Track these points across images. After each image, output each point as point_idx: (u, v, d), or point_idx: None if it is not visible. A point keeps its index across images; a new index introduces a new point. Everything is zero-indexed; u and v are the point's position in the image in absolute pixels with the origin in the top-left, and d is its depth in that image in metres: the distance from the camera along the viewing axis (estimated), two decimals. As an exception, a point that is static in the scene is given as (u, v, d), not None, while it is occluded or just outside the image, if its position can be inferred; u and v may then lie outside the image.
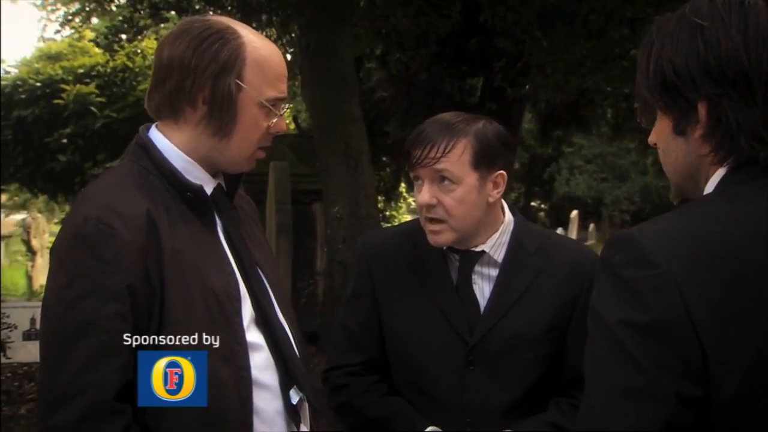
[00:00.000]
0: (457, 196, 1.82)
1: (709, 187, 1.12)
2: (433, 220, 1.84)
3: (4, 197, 17.75)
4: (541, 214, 26.31)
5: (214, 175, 1.65)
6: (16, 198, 18.54)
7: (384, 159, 12.99)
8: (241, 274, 1.62)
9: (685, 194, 1.19)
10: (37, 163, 10.72)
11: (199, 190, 1.58)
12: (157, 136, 1.61)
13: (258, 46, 1.59)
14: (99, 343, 1.40)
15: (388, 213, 15.75)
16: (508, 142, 1.90)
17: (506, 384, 1.87)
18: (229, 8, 7.68)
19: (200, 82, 1.54)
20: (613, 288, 1.02)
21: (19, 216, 19.75)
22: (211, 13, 7.62)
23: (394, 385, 1.98)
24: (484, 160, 1.83)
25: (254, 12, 7.49)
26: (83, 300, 1.41)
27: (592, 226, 18.28)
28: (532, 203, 24.18)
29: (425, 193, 1.82)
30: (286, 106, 1.68)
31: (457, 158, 1.80)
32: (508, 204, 1.99)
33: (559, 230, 14.49)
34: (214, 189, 1.64)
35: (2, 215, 18.73)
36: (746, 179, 1.06)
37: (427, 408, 1.89)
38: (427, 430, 1.85)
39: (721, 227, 1.00)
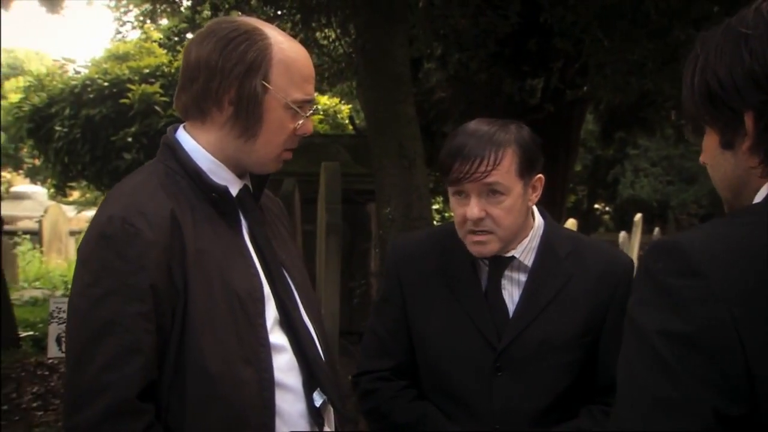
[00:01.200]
0: (506, 207, 1.80)
1: (760, 196, 1.08)
2: (478, 232, 1.81)
3: (76, 194, 18.30)
4: (606, 217, 25.86)
5: (240, 176, 1.66)
6: (87, 195, 19.09)
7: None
8: (265, 276, 1.62)
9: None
10: (104, 161, 10.96)
11: (224, 191, 1.59)
12: (184, 136, 1.62)
13: (285, 47, 1.59)
14: (122, 342, 1.42)
15: (447, 214, 15.69)
16: (540, 144, 1.87)
17: (535, 390, 1.84)
18: (288, 9, 7.77)
19: (226, 83, 1.55)
20: (654, 296, 0.98)
21: (90, 213, 20.36)
22: (270, 14, 7.73)
23: (422, 390, 1.96)
24: (527, 167, 1.82)
25: (313, 12, 7.55)
26: (107, 299, 1.43)
27: (657, 230, 17.85)
28: (596, 206, 23.80)
29: (474, 208, 1.78)
30: (314, 107, 1.67)
31: (506, 169, 1.78)
32: (538, 208, 1.95)
33: (622, 234, 14.18)
34: (240, 190, 1.64)
35: (74, 212, 19.32)
36: None
37: (455, 413, 1.88)
38: None
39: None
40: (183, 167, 1.59)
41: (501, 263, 1.89)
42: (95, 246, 1.47)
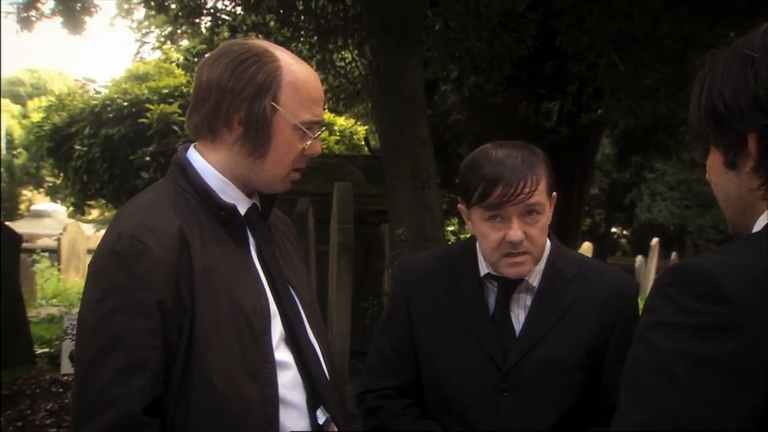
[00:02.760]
0: (541, 226, 1.84)
1: (760, 223, 1.09)
2: (517, 253, 1.83)
3: (95, 213, 18.45)
4: (623, 240, 25.70)
5: (249, 195, 1.69)
6: (106, 214, 19.26)
7: (458, 181, 12.93)
8: (272, 293, 1.64)
9: (741, 230, 1.16)
10: (122, 179, 11.07)
11: (232, 209, 1.62)
12: (194, 155, 1.66)
13: (294, 69, 1.62)
14: (129, 357, 1.44)
15: (463, 236, 15.69)
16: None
17: (540, 411, 1.84)
18: (305, 31, 7.85)
19: (236, 103, 1.58)
20: (676, 319, 0.97)
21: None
22: (288, 35, 7.82)
23: (427, 410, 1.97)
24: (552, 186, 1.87)
25: (330, 34, 7.64)
26: (115, 315, 1.45)
27: (674, 254, 17.73)
28: (613, 229, 23.67)
29: (518, 230, 1.80)
30: (322, 128, 1.70)
31: (542, 189, 1.82)
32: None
33: (639, 258, 14.10)
34: (249, 208, 1.67)
35: (93, 230, 19.48)
36: None
37: None
38: None
39: None
40: (192, 186, 1.62)
41: (510, 285, 1.90)
42: (104, 262, 1.50)
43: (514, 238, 1.80)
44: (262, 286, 1.63)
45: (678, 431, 0.93)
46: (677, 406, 0.94)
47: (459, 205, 1.93)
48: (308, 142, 1.64)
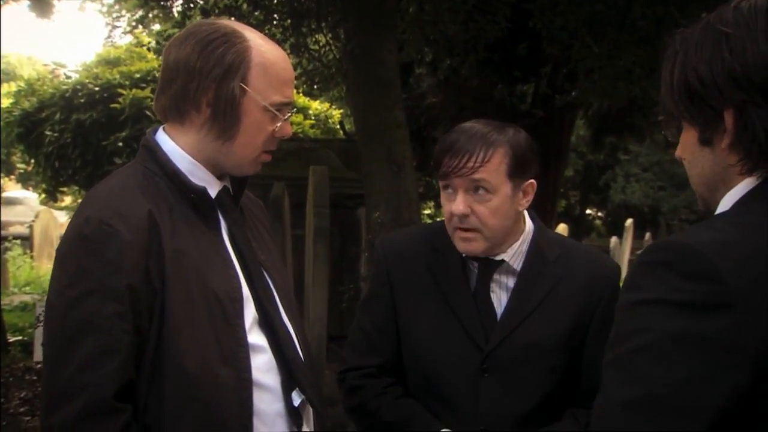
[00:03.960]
0: (492, 206, 1.82)
1: (731, 197, 1.09)
2: (464, 228, 1.83)
3: (68, 200, 18.24)
4: (598, 222, 25.90)
5: (220, 177, 1.67)
6: (79, 200, 19.05)
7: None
8: (244, 276, 1.62)
9: (712, 207, 1.16)
10: (94, 165, 10.91)
11: (203, 191, 1.60)
12: (163, 138, 1.63)
13: (264, 50, 1.60)
14: (99, 342, 1.42)
15: (439, 218, 15.70)
16: (536, 150, 1.90)
17: (521, 392, 1.85)
18: (279, 14, 7.77)
19: (204, 84, 1.55)
20: (665, 296, 0.97)
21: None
22: (261, 18, 7.73)
23: (408, 389, 1.97)
24: (518, 170, 1.83)
25: (304, 18, 7.56)
26: (84, 300, 1.43)
27: (648, 235, 17.88)
28: (588, 211, 23.85)
29: (459, 203, 1.80)
30: (293, 110, 1.68)
31: (495, 168, 1.79)
32: (529, 212, 1.97)
33: (614, 239, 14.21)
34: (220, 191, 1.65)
35: (66, 217, 19.27)
36: None
37: (441, 413, 1.89)
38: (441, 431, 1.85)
39: None
40: (162, 168, 1.59)
41: (490, 266, 1.90)
42: (72, 247, 1.48)
43: (455, 211, 1.81)
44: (234, 269, 1.61)
45: (666, 406, 0.94)
46: (666, 383, 0.94)
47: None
48: (278, 124, 1.62)
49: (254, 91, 1.57)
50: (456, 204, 1.81)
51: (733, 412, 0.93)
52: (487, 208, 1.81)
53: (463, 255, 1.89)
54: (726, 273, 0.93)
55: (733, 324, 0.92)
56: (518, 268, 1.91)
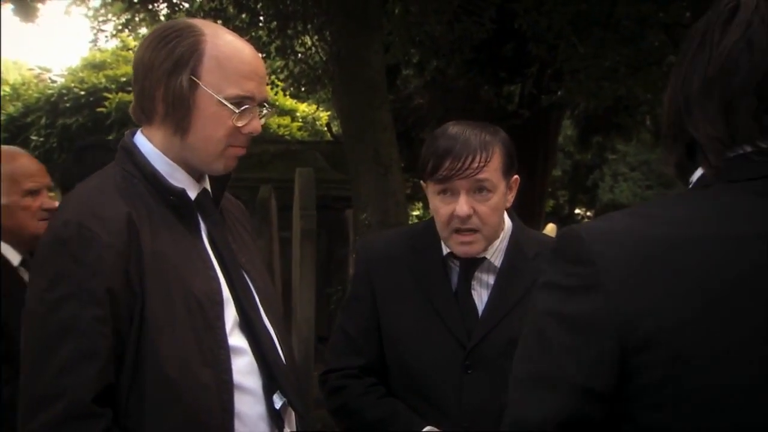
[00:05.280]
0: (492, 205, 1.84)
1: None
2: (465, 231, 1.84)
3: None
4: (587, 221, 25.98)
5: (199, 180, 1.66)
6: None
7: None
8: (225, 279, 1.61)
9: None
10: (81, 169, 10.90)
11: (182, 193, 1.58)
12: (141, 140, 1.62)
13: (219, 42, 1.57)
14: (78, 346, 1.41)
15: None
16: (514, 146, 1.93)
17: (504, 388, 1.84)
18: (264, 17, 7.76)
19: (156, 79, 1.54)
20: (550, 279, 1.03)
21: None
22: (247, 21, 7.72)
23: (391, 389, 1.97)
24: (509, 167, 1.87)
25: (290, 20, 7.56)
26: (63, 303, 1.42)
27: (636, 234, 17.90)
28: (577, 210, 23.90)
29: (464, 205, 1.81)
30: (262, 105, 1.64)
31: (495, 167, 1.82)
32: (507, 210, 1.98)
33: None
34: (199, 193, 1.64)
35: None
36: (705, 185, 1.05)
37: (425, 411, 1.89)
38: (424, 429, 1.85)
39: (663, 229, 0.99)
40: (140, 170, 1.58)
41: (472, 264, 1.91)
42: (51, 251, 1.47)
43: (461, 213, 1.81)
44: (215, 271, 1.60)
45: (540, 381, 1.00)
46: (542, 359, 1.00)
47: (422, 181, 1.94)
48: (241, 118, 1.57)
49: (206, 84, 1.54)
50: (460, 205, 1.81)
51: (612, 393, 0.97)
52: (488, 207, 1.83)
53: (463, 256, 1.89)
54: (597, 256, 0.97)
55: (599, 303, 0.95)
56: (498, 265, 1.92)
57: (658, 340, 0.94)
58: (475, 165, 1.79)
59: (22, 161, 2.47)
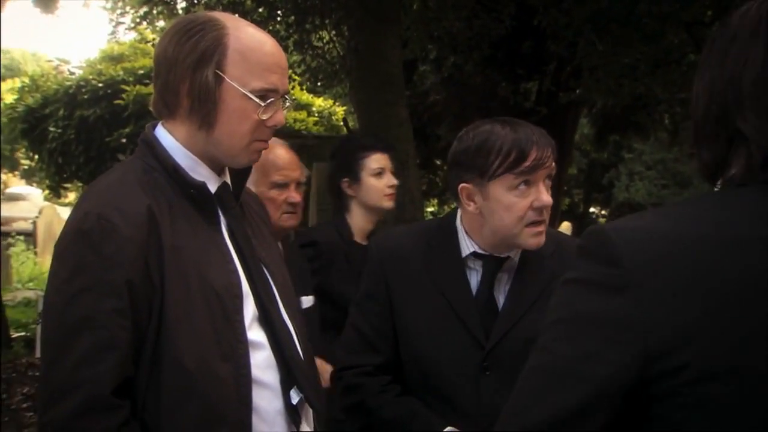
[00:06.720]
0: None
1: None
2: (539, 223, 1.83)
3: (72, 196, 18.27)
4: (602, 220, 25.87)
5: (219, 173, 1.65)
6: (82, 196, 19.02)
7: (437, 162, 12.94)
8: (244, 272, 1.61)
9: None
10: (98, 161, 10.91)
11: (202, 187, 1.58)
12: (162, 133, 1.62)
13: (242, 35, 1.56)
14: (97, 338, 1.41)
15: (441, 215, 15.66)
16: None
17: None
18: (282, 11, 7.76)
19: (181, 74, 1.54)
20: (576, 276, 1.03)
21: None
22: (265, 15, 7.72)
23: (407, 388, 1.96)
24: None
25: (307, 14, 7.55)
26: (82, 295, 1.42)
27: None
28: (592, 209, 23.81)
29: (544, 194, 1.82)
30: (285, 98, 1.63)
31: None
32: None
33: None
34: (219, 187, 1.63)
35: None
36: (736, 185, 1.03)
37: (442, 411, 1.87)
38: (446, 430, 1.83)
39: (693, 229, 0.98)
40: (161, 163, 1.58)
41: (497, 263, 1.90)
42: (71, 242, 1.46)
43: (547, 202, 1.81)
44: (234, 265, 1.60)
45: (557, 376, 1.00)
46: (563, 354, 1.00)
47: (462, 185, 1.87)
48: (267, 112, 1.57)
49: (231, 78, 1.54)
50: (545, 195, 1.81)
51: (632, 397, 0.96)
52: (550, 196, 1.85)
53: (534, 248, 1.88)
54: (626, 258, 0.96)
55: (626, 305, 0.95)
56: (515, 264, 1.91)
57: (686, 345, 0.92)
58: (551, 155, 1.82)
59: (277, 152, 2.45)
